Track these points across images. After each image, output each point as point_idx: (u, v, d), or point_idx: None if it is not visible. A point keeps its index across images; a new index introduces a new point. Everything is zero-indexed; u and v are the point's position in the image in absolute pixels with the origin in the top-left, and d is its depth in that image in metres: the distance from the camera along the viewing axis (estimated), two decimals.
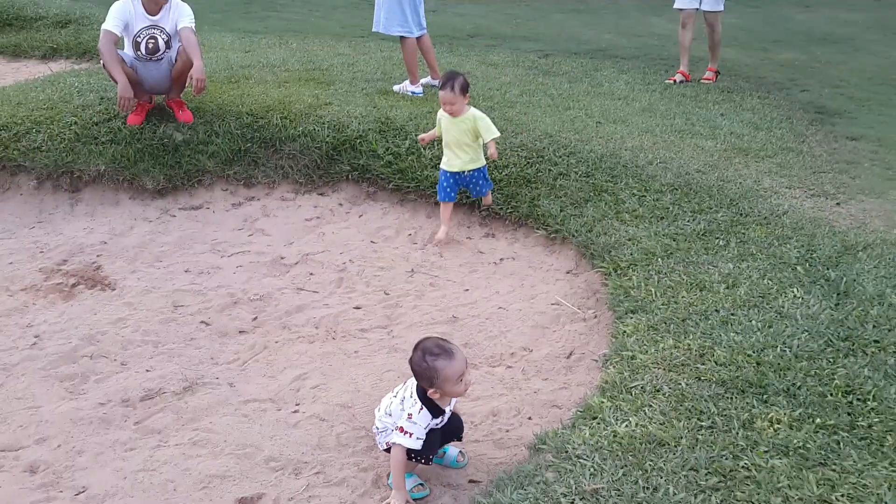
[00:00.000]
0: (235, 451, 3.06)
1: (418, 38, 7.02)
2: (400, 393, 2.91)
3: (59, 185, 5.44)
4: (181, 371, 3.64)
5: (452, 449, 3.07)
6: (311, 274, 4.72)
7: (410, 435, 2.73)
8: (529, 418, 3.32)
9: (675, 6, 8.25)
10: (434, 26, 10.39)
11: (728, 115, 6.93)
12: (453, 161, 4.94)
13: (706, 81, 8.12)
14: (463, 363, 2.76)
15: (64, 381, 3.55)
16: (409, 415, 2.76)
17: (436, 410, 2.80)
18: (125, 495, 2.78)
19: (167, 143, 5.67)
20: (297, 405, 3.42)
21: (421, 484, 2.87)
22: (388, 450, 2.86)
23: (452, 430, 2.96)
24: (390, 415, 2.88)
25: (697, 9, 8.11)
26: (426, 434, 2.79)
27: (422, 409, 2.76)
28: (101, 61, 5.54)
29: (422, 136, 5.20)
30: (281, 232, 5.26)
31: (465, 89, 4.76)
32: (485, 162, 5.03)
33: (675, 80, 8.14)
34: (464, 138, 4.87)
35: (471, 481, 2.94)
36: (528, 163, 5.47)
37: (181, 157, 5.63)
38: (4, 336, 3.88)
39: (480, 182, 5.05)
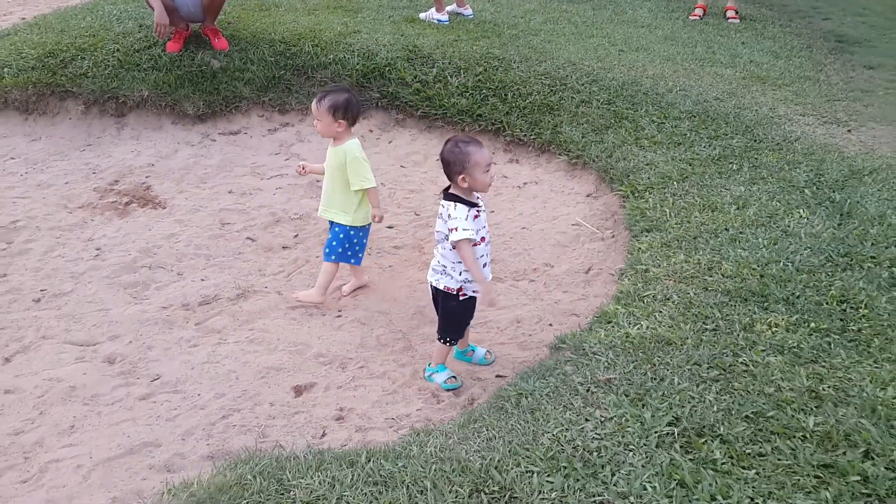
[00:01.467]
0: (288, 347, 3.43)
1: None
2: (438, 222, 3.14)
3: (105, 109, 5.72)
4: (233, 280, 4.00)
5: (480, 349, 3.42)
6: None
7: (456, 229, 2.96)
8: (550, 325, 3.65)
9: None
10: None
11: (749, 44, 7.04)
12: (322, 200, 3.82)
13: (732, 21, 7.97)
14: (489, 154, 3.02)
15: (127, 287, 3.91)
16: (449, 215, 3.01)
17: (468, 202, 3.02)
18: (194, 382, 3.16)
19: (205, 69, 5.90)
20: (339, 311, 3.78)
21: (454, 377, 3.24)
22: (435, 293, 3.20)
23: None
24: (446, 238, 3.06)
25: None
26: (465, 314, 3.18)
27: (456, 205, 2.99)
28: None
29: (303, 163, 3.96)
30: (315, 156, 5.51)
31: (337, 110, 3.55)
32: (347, 221, 3.71)
33: (698, 17, 8.07)
34: (336, 175, 3.71)
35: (497, 376, 3.30)
36: (552, 90, 5.69)
37: (219, 83, 5.87)
38: (69, 248, 4.24)
39: (332, 242, 3.75)
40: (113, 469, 2.60)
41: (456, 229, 2.99)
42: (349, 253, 3.79)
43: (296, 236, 4.51)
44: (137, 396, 3.04)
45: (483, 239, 3.12)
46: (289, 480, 2.30)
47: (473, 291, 3.16)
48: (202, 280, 4.01)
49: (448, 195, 3.07)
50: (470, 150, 2.96)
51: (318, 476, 2.32)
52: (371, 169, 3.72)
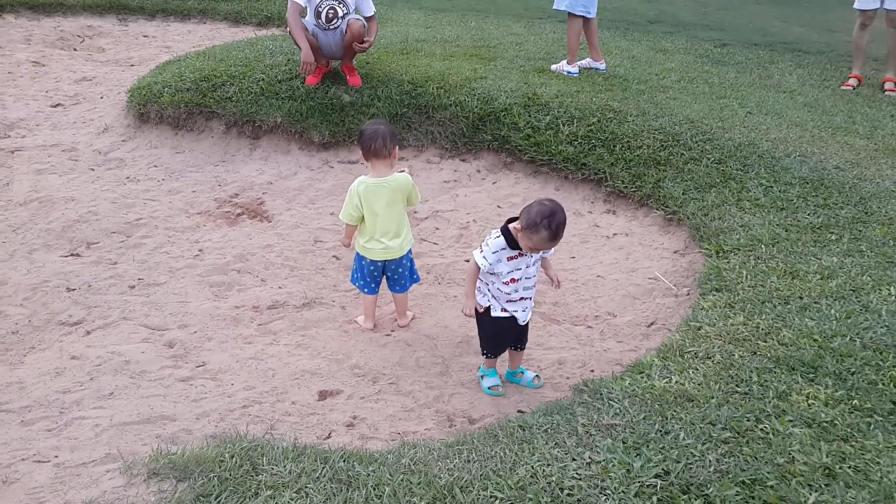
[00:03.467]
0: (329, 356, 3.62)
1: (587, 20, 7.18)
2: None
3: (242, 131, 6.30)
4: (305, 291, 4.25)
5: (529, 372, 3.53)
6: (437, 228, 5.20)
7: (481, 251, 3.16)
8: (592, 371, 3.59)
9: (856, 6, 7.58)
10: (616, 11, 10.48)
11: None
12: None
13: (890, 93, 7.49)
14: (550, 245, 3.06)
15: (213, 286, 4.28)
16: (485, 238, 3.21)
17: (513, 242, 3.11)
18: (233, 372, 3.42)
19: (335, 102, 6.35)
20: (391, 331, 3.92)
21: (500, 385, 3.45)
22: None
23: (521, 337, 3.43)
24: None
25: (879, 8, 7.50)
26: (496, 332, 3.32)
27: (499, 235, 3.14)
28: (288, 29, 6.33)
29: None
30: (420, 191, 5.76)
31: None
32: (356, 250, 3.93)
33: (851, 87, 7.59)
34: None
35: (519, 411, 3.28)
36: (662, 146, 5.59)
37: (346, 116, 6.29)
38: (176, 247, 4.70)
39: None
40: (124, 432, 2.87)
41: (480, 250, 3.19)
42: (355, 276, 3.93)
43: None
44: (178, 377, 3.33)
45: (513, 280, 3.22)
46: (262, 465, 2.44)
47: (502, 310, 3.28)
48: (279, 287, 4.30)
49: (505, 227, 3.17)
50: (542, 233, 2.97)
51: (291, 466, 2.45)
52: (356, 206, 3.70)
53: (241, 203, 5.43)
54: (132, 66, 8.64)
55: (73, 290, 4.10)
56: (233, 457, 2.46)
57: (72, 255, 4.52)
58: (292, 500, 2.29)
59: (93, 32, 9.89)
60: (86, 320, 3.82)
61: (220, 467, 2.40)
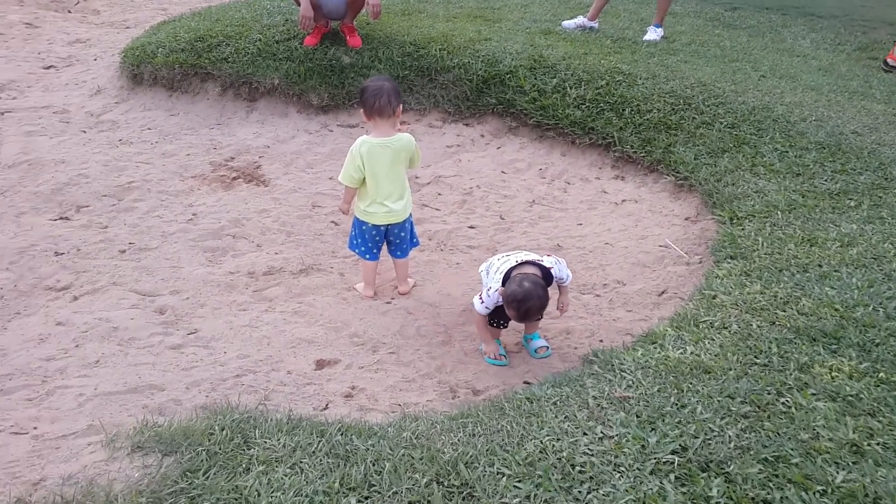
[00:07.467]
0: (327, 324, 3.46)
1: None
2: (506, 262, 3.23)
3: (239, 93, 6.09)
4: (302, 257, 4.09)
5: (539, 341, 3.40)
6: (440, 194, 5.03)
7: (483, 302, 3.21)
8: (601, 341, 3.44)
9: None
10: None
11: None
12: None
13: None
14: (519, 320, 3.14)
15: (207, 252, 4.12)
16: (489, 287, 3.22)
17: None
18: (227, 340, 3.27)
19: (335, 64, 6.14)
20: (391, 299, 3.77)
21: (502, 354, 3.32)
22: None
23: None
24: (487, 273, 3.35)
25: None
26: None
27: (497, 290, 3.15)
28: None
29: None
30: (423, 156, 5.57)
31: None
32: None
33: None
34: None
35: (525, 382, 3.14)
36: (673, 109, 5.40)
37: (345, 78, 6.08)
38: (169, 211, 4.53)
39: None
40: (108, 402, 2.73)
41: (481, 300, 3.25)
42: (354, 242, 3.77)
43: None
44: (168, 345, 3.18)
45: None
46: (254, 439, 2.30)
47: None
48: (276, 253, 4.14)
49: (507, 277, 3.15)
50: (512, 314, 3.09)
51: (285, 439, 2.31)
52: (358, 167, 3.54)
53: (236, 167, 5.24)
54: (127, 28, 8.38)
55: (62, 254, 3.94)
56: (223, 429, 2.31)
57: (61, 218, 4.35)
58: (286, 475, 2.15)
59: None
60: (73, 285, 3.67)
61: (209, 441, 2.25)
